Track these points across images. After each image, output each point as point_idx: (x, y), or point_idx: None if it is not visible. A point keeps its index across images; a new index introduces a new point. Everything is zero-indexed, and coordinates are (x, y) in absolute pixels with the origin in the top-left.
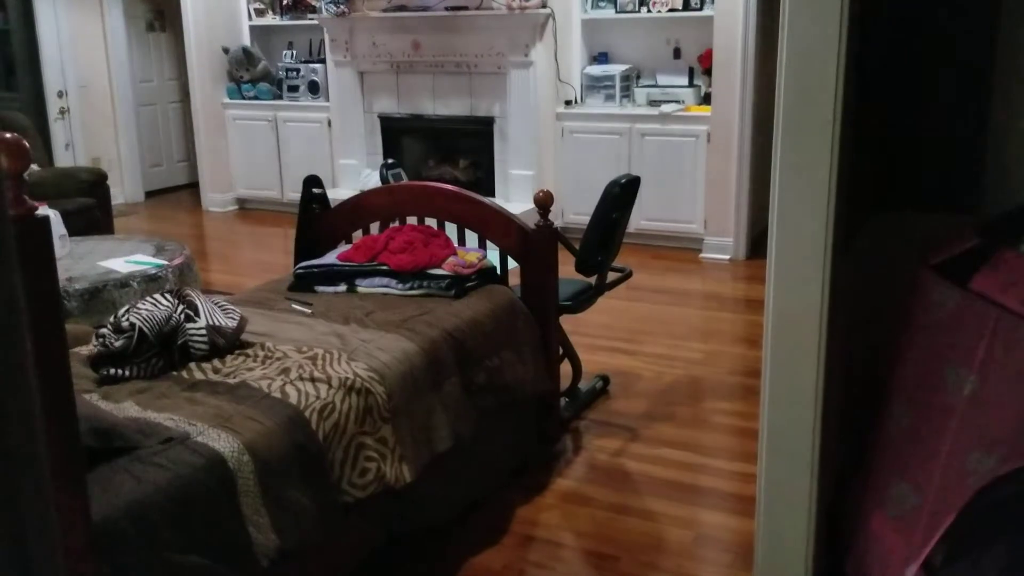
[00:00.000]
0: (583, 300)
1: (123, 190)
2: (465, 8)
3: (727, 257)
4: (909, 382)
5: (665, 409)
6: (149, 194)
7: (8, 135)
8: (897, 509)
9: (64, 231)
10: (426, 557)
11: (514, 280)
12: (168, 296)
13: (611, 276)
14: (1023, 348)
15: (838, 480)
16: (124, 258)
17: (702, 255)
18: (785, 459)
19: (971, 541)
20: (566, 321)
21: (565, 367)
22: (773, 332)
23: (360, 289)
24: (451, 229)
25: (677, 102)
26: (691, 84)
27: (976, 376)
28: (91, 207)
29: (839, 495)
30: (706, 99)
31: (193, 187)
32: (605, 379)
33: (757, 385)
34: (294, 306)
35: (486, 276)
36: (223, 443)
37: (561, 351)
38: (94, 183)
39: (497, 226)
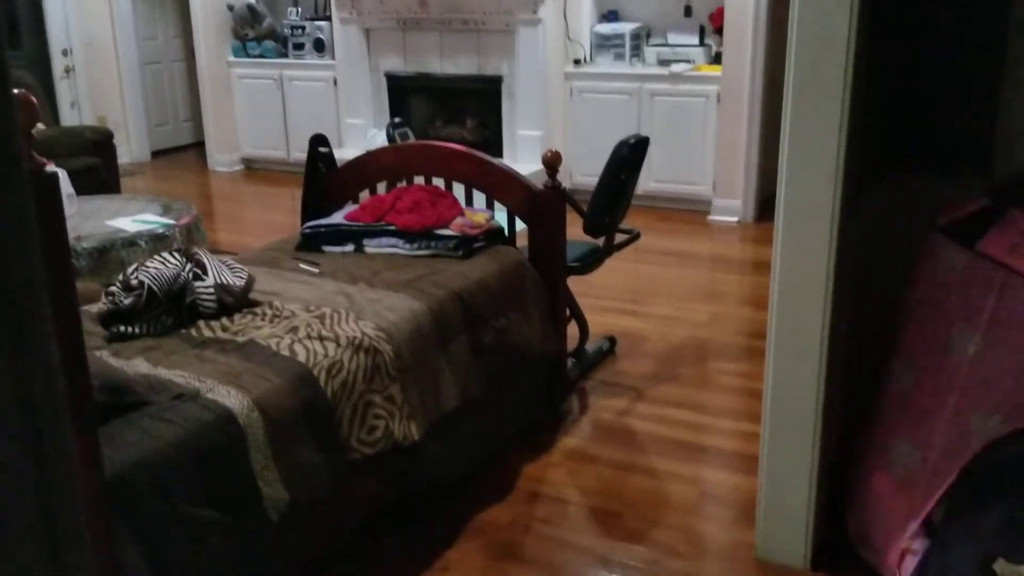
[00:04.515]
0: (591, 262)
1: (129, 149)
2: None
3: (735, 219)
4: (914, 342)
5: (671, 370)
6: (155, 154)
7: (16, 90)
8: (899, 468)
9: (71, 190)
10: (434, 513)
11: (522, 241)
12: (176, 255)
13: (619, 238)
14: None
15: (841, 439)
16: (131, 217)
17: (710, 217)
18: (789, 419)
19: (972, 500)
20: (573, 282)
21: (572, 328)
22: (779, 292)
23: (367, 249)
24: (458, 189)
25: (687, 62)
26: (702, 43)
27: (981, 337)
28: (97, 166)
29: (842, 454)
30: (716, 59)
31: (199, 146)
32: (612, 340)
33: (762, 347)
34: (301, 265)
35: (494, 237)
36: (233, 399)
37: (568, 312)
38: (100, 142)
39: (505, 187)
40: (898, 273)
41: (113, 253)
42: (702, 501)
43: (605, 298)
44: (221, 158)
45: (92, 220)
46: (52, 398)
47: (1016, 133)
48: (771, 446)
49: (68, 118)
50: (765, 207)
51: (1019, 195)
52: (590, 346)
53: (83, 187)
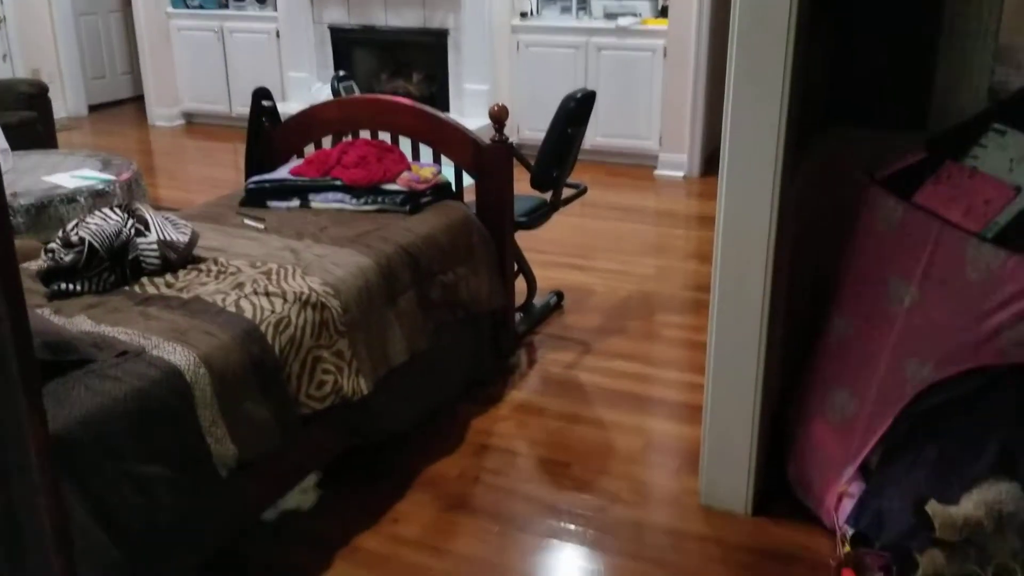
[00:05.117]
0: (538, 216)
1: (65, 104)
2: None
3: (681, 174)
4: (853, 293)
5: (617, 323)
6: (92, 108)
7: None
8: (837, 415)
9: (6, 145)
10: (384, 466)
11: (469, 196)
12: (117, 211)
13: (566, 192)
14: (962, 260)
15: (782, 389)
16: (70, 173)
17: (656, 172)
18: (732, 369)
19: (906, 445)
20: (521, 237)
21: (520, 283)
22: (723, 245)
23: (313, 204)
24: (405, 144)
25: (634, 15)
26: None
27: (916, 287)
28: (32, 121)
29: (783, 403)
30: (663, 12)
31: (138, 101)
32: (559, 295)
33: (707, 299)
34: (246, 221)
35: (441, 192)
36: (179, 356)
37: (516, 267)
38: (35, 96)
39: (452, 141)
40: (838, 225)
41: (51, 210)
42: (647, 450)
43: (552, 253)
44: (161, 112)
45: (29, 176)
46: None
47: (952, 88)
48: (715, 396)
49: (0, 71)
50: (711, 161)
51: (955, 148)
52: (538, 300)
53: (18, 142)
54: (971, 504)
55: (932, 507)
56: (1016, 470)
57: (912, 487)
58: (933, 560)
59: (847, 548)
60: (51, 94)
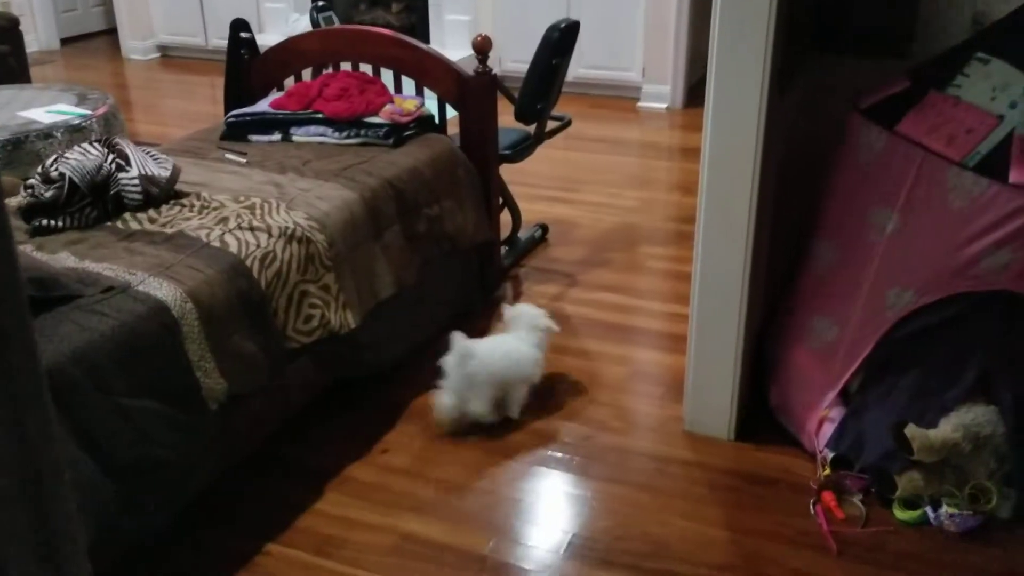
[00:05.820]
0: (522, 149)
1: (36, 37)
2: None
3: (664, 106)
4: (836, 222)
5: (602, 255)
6: (64, 41)
7: None
8: (818, 342)
9: None
10: (373, 398)
11: (452, 129)
12: (97, 145)
13: (550, 125)
14: (944, 189)
15: (765, 317)
16: (45, 108)
17: (639, 104)
18: (716, 298)
19: (885, 371)
20: (505, 171)
21: (504, 216)
22: (709, 171)
23: (295, 138)
24: (387, 76)
25: None
26: None
27: (899, 215)
28: (4, 54)
29: (765, 330)
30: None
31: (111, 33)
32: (544, 227)
33: (690, 231)
34: (228, 155)
35: (424, 125)
36: (165, 291)
37: (501, 200)
38: (6, 28)
39: (435, 72)
40: (822, 154)
41: (28, 145)
42: (632, 379)
43: (537, 186)
44: (135, 45)
45: (3, 111)
46: (12, 293)
47: (936, 17)
48: (699, 324)
49: None
50: (693, 93)
51: (938, 77)
52: (523, 234)
53: None
54: (949, 427)
55: (911, 430)
56: (993, 393)
57: (891, 411)
58: (912, 481)
59: (827, 471)
60: (22, 27)
